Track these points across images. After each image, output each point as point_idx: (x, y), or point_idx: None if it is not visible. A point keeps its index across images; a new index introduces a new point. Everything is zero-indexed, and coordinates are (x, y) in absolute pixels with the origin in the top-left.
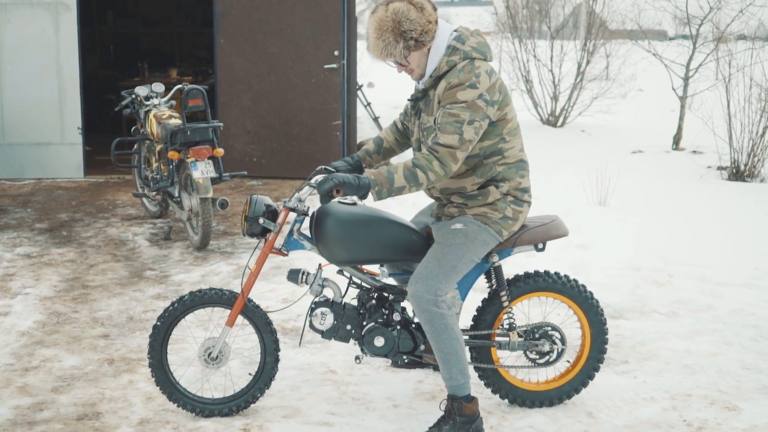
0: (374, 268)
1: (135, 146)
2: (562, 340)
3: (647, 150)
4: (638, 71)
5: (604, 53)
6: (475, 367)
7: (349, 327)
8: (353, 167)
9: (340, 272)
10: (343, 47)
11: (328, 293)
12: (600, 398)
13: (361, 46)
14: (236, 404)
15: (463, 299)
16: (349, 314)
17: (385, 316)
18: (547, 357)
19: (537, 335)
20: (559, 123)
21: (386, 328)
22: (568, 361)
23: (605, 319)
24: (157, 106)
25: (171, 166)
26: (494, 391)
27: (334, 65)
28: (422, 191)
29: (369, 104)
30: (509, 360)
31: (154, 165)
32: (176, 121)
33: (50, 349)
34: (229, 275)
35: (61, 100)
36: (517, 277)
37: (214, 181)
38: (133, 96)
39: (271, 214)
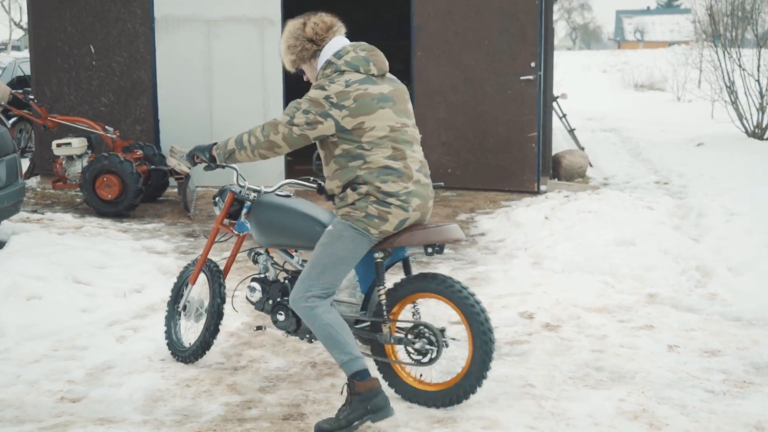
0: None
1: None
2: (437, 341)
3: None
4: None
5: None
6: (374, 360)
7: (270, 302)
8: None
9: (266, 252)
10: (540, 58)
11: (272, 274)
12: None
13: (557, 57)
14: (191, 351)
15: (363, 291)
16: (274, 292)
17: None
18: (424, 356)
19: (413, 334)
20: (766, 135)
21: (287, 306)
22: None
23: (485, 317)
24: None
25: None
26: (390, 386)
27: (531, 77)
28: (253, 158)
29: (564, 116)
30: (401, 355)
31: None
32: None
33: (257, 350)
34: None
35: (265, 111)
36: (404, 280)
37: None
38: None
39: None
